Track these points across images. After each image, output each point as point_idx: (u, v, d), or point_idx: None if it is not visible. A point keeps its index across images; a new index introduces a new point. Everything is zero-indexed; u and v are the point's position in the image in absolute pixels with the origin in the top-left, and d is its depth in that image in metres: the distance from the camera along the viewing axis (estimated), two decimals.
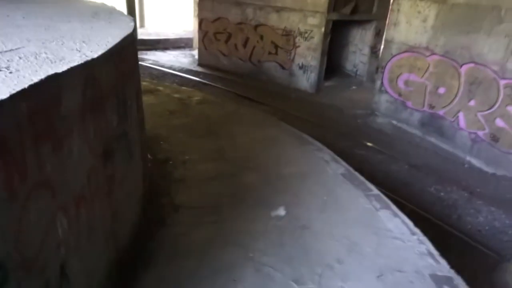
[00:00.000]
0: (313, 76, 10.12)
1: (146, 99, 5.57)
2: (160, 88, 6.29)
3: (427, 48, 7.60)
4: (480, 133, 7.09)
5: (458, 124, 7.42)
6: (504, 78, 6.56)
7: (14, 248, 1.16)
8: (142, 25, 16.51)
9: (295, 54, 10.25)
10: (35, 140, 1.23)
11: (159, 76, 10.57)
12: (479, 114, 7.06)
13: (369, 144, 7.36)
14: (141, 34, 14.46)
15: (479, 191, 6.08)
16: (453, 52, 7.20)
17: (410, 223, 2.75)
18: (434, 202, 5.79)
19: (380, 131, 8.25)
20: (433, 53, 7.52)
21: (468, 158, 7.23)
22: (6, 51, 1.69)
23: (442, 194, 6.04)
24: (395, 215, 2.85)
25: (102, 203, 1.80)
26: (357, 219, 2.76)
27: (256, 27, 10.79)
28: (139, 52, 12.44)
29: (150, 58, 12.94)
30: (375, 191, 3.21)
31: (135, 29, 2.41)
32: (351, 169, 3.63)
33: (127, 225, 2.17)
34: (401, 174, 6.47)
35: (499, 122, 6.76)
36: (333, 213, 2.80)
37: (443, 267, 2.36)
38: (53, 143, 1.34)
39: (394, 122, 8.47)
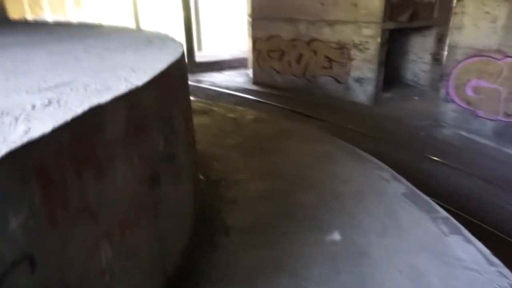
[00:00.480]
0: (370, 88, 9.73)
1: (201, 119, 5.71)
2: (215, 108, 6.42)
3: (498, 51, 6.93)
4: None
5: None
6: None
7: (56, 277, 1.17)
8: (199, 48, 17.25)
9: (350, 67, 9.96)
10: (77, 168, 1.25)
11: (215, 96, 10.88)
12: None
13: (435, 158, 6.81)
14: (199, 57, 15.11)
15: None
16: None
17: (487, 252, 2.39)
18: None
19: (447, 143, 7.61)
20: (506, 56, 6.83)
21: None
22: (61, 84, 1.78)
23: None
24: (468, 241, 2.51)
25: (148, 228, 1.80)
26: (422, 245, 2.47)
27: (309, 42, 10.72)
28: (197, 75, 12.98)
29: (207, 80, 13.40)
30: (443, 213, 2.88)
31: (183, 54, 2.45)
32: (414, 188, 3.31)
33: (175, 249, 2.15)
34: (474, 191, 5.85)
35: None
36: (394, 238, 2.55)
37: None
38: (96, 170, 1.35)
39: (463, 133, 7.77)
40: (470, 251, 2.41)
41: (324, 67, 10.58)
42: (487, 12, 7.03)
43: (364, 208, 2.94)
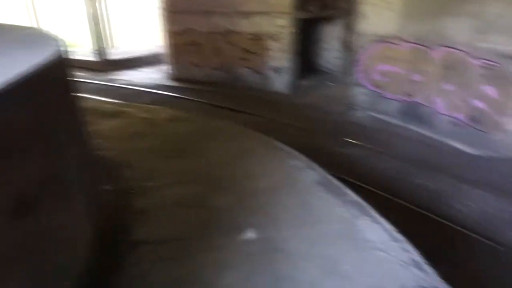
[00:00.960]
0: (288, 77, 9.95)
1: (111, 123, 5.30)
2: (127, 109, 6.02)
3: (398, 37, 7.49)
4: (459, 116, 6.98)
5: (437, 109, 7.31)
6: (476, 59, 6.47)
7: None
8: (111, 45, 16.19)
9: (267, 57, 10.08)
10: None
11: (131, 95, 10.27)
12: (456, 97, 6.95)
13: (350, 140, 7.19)
14: (112, 55, 14.16)
15: (466, 176, 5.94)
16: (424, 38, 7.10)
17: (391, 229, 2.53)
18: (422, 193, 5.63)
19: (360, 125, 8.10)
20: (404, 41, 7.41)
21: (450, 142, 7.11)
22: None
23: (430, 184, 5.88)
24: (375, 221, 2.64)
25: (26, 266, 1.54)
26: (335, 232, 2.53)
27: (225, 34, 10.60)
28: (110, 74, 12.06)
29: (122, 78, 12.63)
30: (353, 196, 3.00)
31: (60, 54, 2.13)
32: (326, 174, 3.41)
33: (70, 280, 1.91)
34: (387, 169, 6.30)
35: (477, 103, 6.66)
36: (309, 229, 2.58)
37: (431, 277, 2.15)
38: None
39: (374, 114, 8.33)
40: (377, 231, 2.53)
41: (242, 59, 10.57)
42: (387, 2, 7.54)
43: (280, 202, 2.94)
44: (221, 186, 3.25)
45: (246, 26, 10.13)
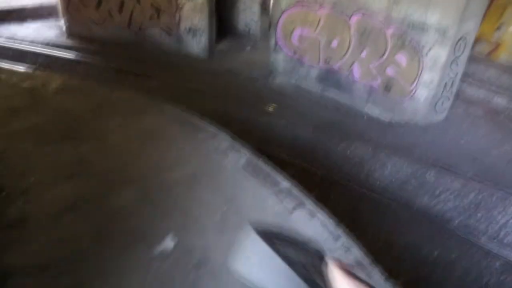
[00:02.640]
0: (203, 40, 9.17)
1: None
2: (2, 76, 4.83)
3: (315, 1, 7.20)
4: (374, 83, 7.12)
5: (353, 76, 7.35)
6: (390, 27, 6.53)
7: None
8: None
9: (180, 17, 9.11)
10: None
11: (16, 56, 8.53)
12: (371, 65, 7.04)
13: (270, 109, 6.92)
14: None
15: (381, 142, 6.12)
16: (341, 4, 6.93)
17: (331, 224, 2.26)
18: (342, 163, 5.65)
19: (280, 92, 7.86)
20: (322, 6, 7.16)
21: (366, 110, 7.28)
22: None
23: (348, 152, 5.94)
24: (312, 214, 2.34)
25: None
26: None
27: None
28: None
29: (3, 34, 10.46)
30: (285, 183, 2.66)
31: None
32: (254, 157, 3.01)
33: None
34: (307, 138, 6.19)
35: (390, 71, 6.82)
36: (236, 230, 2.17)
37: (376, 278, 1.94)
38: None
39: (293, 81, 8.14)
40: (315, 227, 2.24)
41: (152, 17, 9.42)
42: None
43: (201, 197, 2.48)
44: (123, 180, 2.64)
45: None
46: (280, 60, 8.23)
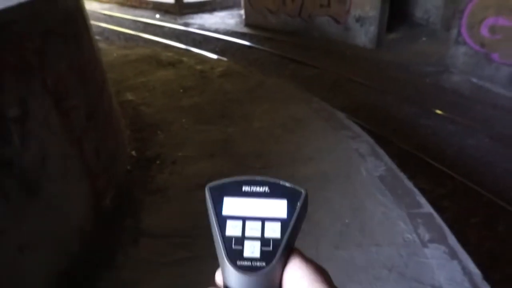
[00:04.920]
0: (372, 29, 8.60)
1: (163, 74, 4.94)
2: (184, 58, 5.60)
3: None
4: None
5: None
6: None
7: None
8: None
9: (350, 4, 8.75)
10: None
11: (201, 41, 9.86)
12: None
13: (439, 111, 5.98)
14: None
15: None
16: None
17: (475, 273, 1.73)
18: None
19: (455, 92, 6.71)
20: None
21: None
22: None
23: None
24: (453, 254, 1.85)
25: None
26: (390, 266, 1.82)
27: None
28: (185, 17, 11.85)
29: (196, 22, 12.26)
30: (426, 208, 2.20)
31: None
32: (394, 167, 2.61)
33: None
34: (480, 150, 5.11)
35: None
36: (355, 251, 1.91)
37: None
38: None
39: (474, 80, 6.83)
40: (452, 272, 1.76)
41: (322, 5, 9.37)
42: None
43: (326, 201, 2.28)
44: (257, 166, 2.67)
45: None
46: (460, 54, 7.01)
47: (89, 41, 2.16)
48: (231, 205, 0.42)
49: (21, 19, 1.39)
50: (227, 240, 0.39)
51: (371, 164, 2.67)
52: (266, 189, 0.42)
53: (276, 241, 0.39)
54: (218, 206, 0.42)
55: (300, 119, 3.39)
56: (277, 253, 0.38)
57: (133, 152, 2.84)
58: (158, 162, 2.79)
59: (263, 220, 0.40)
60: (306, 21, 9.87)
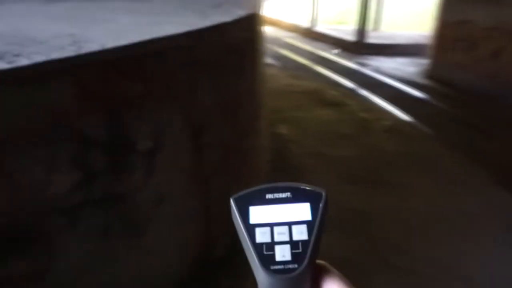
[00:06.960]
0: None
1: (323, 113, 4.69)
2: (349, 101, 5.25)
3: None
4: None
5: None
6: None
7: None
8: (376, 28, 15.44)
9: None
10: None
11: (373, 85, 9.33)
12: None
13: None
14: (371, 38, 13.49)
15: None
16: None
17: None
18: None
19: None
20: None
21: None
22: None
23: None
24: None
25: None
26: None
27: None
28: (362, 57, 11.67)
29: (372, 64, 11.82)
30: None
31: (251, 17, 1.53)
32: None
33: None
34: None
35: None
36: None
37: None
38: None
39: None
40: None
41: None
42: None
43: None
44: (404, 270, 2.06)
45: None
46: None
47: (252, 75, 2.05)
48: (257, 213, 0.43)
49: (179, 48, 1.33)
50: (258, 247, 0.41)
51: None
52: (289, 194, 0.45)
53: (304, 243, 0.41)
54: (245, 215, 0.43)
55: (469, 215, 2.58)
56: (307, 253, 0.40)
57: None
58: None
59: (289, 224, 0.42)
60: (503, 84, 8.26)
